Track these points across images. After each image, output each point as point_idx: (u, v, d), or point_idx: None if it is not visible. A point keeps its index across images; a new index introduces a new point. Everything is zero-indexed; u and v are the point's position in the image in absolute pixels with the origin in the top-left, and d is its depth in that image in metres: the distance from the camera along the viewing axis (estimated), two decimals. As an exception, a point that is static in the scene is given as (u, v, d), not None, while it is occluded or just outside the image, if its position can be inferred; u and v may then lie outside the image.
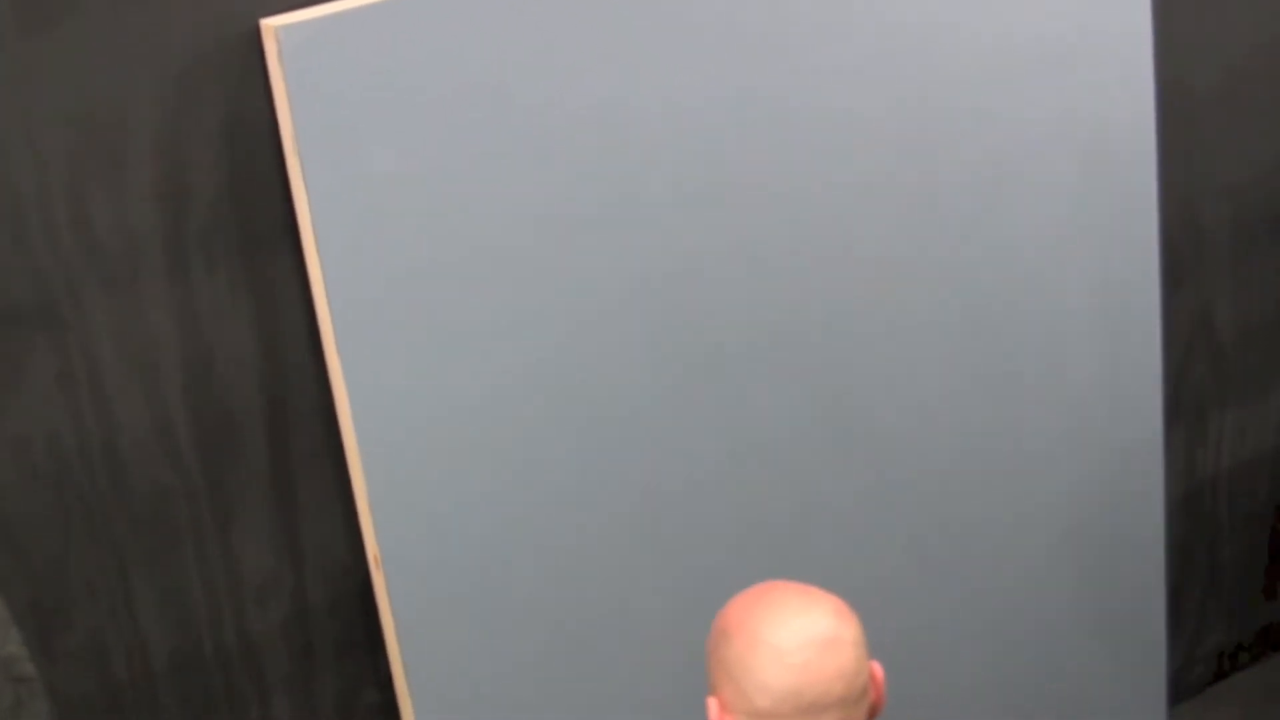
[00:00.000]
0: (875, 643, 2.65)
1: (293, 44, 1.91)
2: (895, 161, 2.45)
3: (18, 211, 1.88)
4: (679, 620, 2.43)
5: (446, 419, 2.16)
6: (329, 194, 2.00)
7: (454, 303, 2.13)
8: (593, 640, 2.36)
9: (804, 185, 2.37)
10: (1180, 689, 3.48)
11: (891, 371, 2.56)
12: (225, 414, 2.08)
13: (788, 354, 2.43)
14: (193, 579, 2.11)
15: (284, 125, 1.98)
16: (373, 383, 2.09)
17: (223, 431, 2.08)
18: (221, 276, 2.03)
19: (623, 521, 2.34)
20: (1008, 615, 2.84)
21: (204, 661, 2.15)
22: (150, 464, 2.04)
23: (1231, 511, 3.41)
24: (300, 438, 2.15)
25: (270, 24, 1.92)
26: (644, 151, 2.21)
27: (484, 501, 2.22)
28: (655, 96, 2.20)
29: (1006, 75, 2.51)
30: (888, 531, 2.62)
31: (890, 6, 2.35)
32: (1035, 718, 2.95)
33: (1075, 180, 2.65)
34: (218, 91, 1.97)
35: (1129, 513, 2.94)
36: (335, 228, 2.01)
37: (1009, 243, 2.61)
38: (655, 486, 2.36)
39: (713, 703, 1.74)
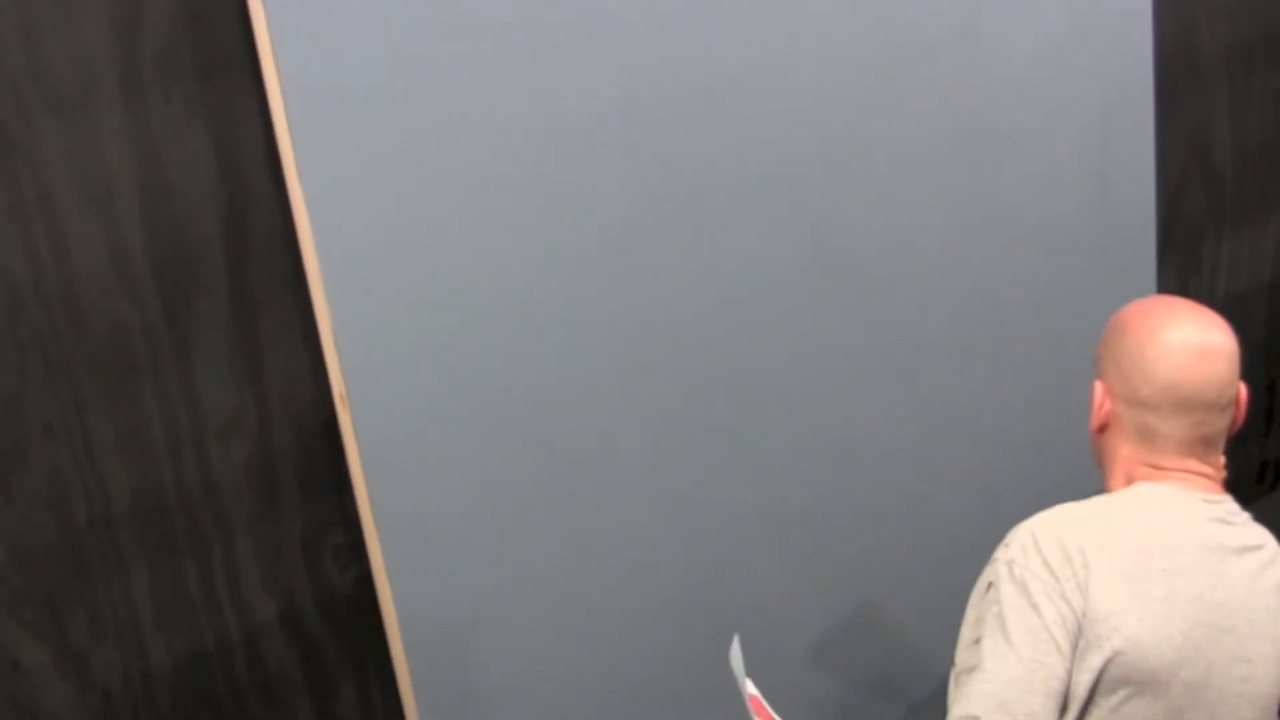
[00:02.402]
0: (869, 490, 2.72)
1: None
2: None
3: (-38, 33, 1.90)
4: (663, 461, 2.49)
5: (413, 248, 2.18)
6: (288, 13, 2.01)
7: (421, 128, 2.14)
8: (569, 475, 2.41)
9: (789, 9, 2.40)
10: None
11: (879, 207, 2.59)
12: (184, 245, 2.10)
13: (775, 195, 2.47)
14: (152, 417, 2.15)
15: (240, -59, 1.99)
16: (336, 212, 2.11)
17: (181, 264, 2.11)
18: (178, 101, 2.04)
19: (602, 356, 2.39)
20: (1001, 456, 2.92)
21: (165, 502, 2.19)
22: (107, 298, 2.07)
23: (1226, 344, 3.46)
24: (261, 270, 2.17)
25: None
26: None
27: (453, 334, 2.25)
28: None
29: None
30: (880, 377, 2.67)
31: None
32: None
33: (1068, 2, 2.68)
34: (170, -95, 1.98)
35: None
36: (295, 49, 2.02)
37: (1000, 66, 2.64)
38: (638, 320, 2.40)
39: (1099, 385, 2.12)
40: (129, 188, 2.05)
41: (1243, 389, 2.09)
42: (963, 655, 1.99)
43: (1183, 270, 3.29)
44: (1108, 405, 2.11)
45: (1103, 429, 2.13)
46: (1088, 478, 3.05)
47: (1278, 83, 3.27)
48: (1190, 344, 2.03)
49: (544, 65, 2.22)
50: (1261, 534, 2.07)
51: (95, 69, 1.98)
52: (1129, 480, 2.09)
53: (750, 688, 2.23)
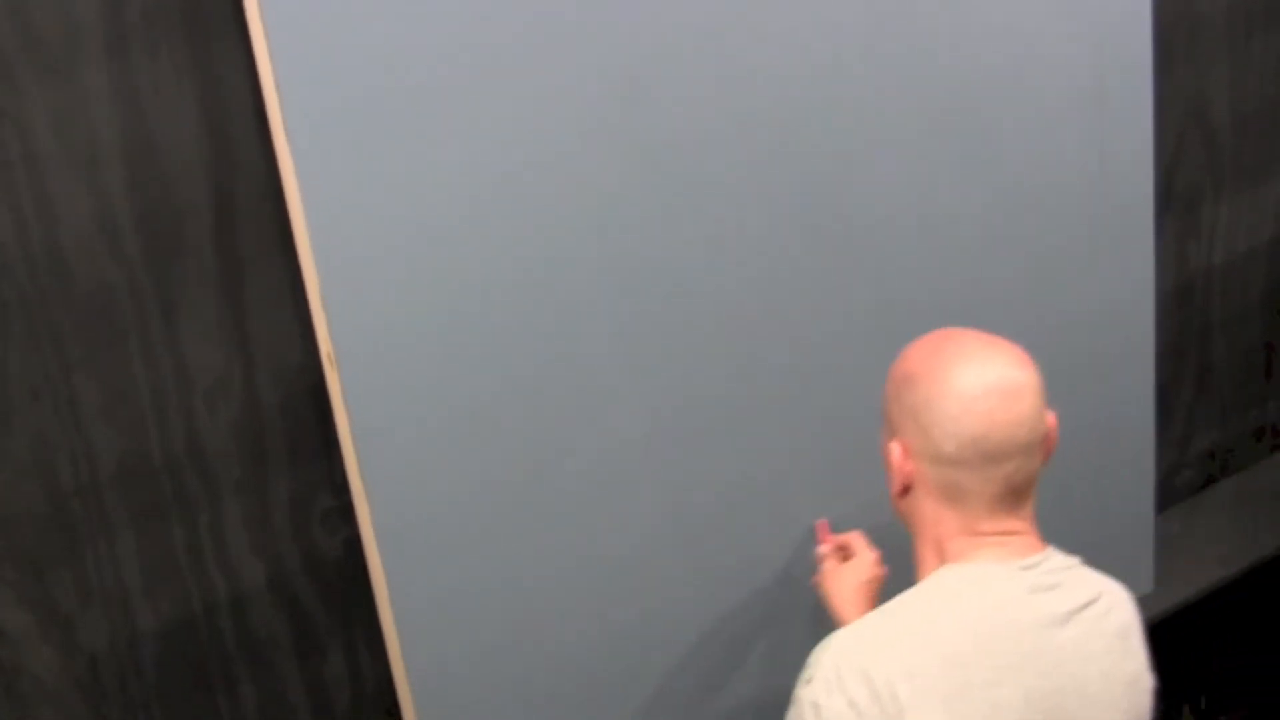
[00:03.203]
0: (849, 447, 2.75)
1: None
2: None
3: (-54, -9, 1.91)
4: (659, 429, 2.50)
5: (403, 209, 2.19)
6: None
7: (411, 86, 2.15)
8: (564, 439, 2.43)
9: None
10: (1168, 494, 3.57)
11: (870, 178, 2.60)
12: (170, 207, 2.12)
13: (764, 168, 2.49)
14: (139, 380, 2.16)
15: (227, -103, 2.00)
16: (324, 171, 2.11)
17: (168, 225, 2.12)
18: (165, 61, 2.06)
19: (598, 320, 2.40)
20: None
21: (152, 465, 2.21)
22: (93, 259, 2.08)
23: (1225, 307, 3.48)
24: (249, 231, 2.19)
25: None
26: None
27: (444, 295, 2.25)
28: None
29: None
30: (875, 350, 2.69)
31: None
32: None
33: (1067, -44, 2.69)
34: None
35: (1118, 307, 3.02)
36: (283, 6, 2.03)
37: (995, 29, 2.65)
38: (632, 271, 2.41)
39: (895, 447, 1.94)
40: (115, 150, 2.06)
41: (1050, 418, 1.95)
42: None
43: (1181, 234, 3.31)
44: (909, 466, 1.92)
45: (905, 492, 1.96)
46: (1083, 449, 3.07)
47: (1278, 44, 3.28)
48: (991, 386, 1.85)
49: (540, 15, 2.23)
50: (1092, 584, 1.95)
51: (80, 27, 1.99)
52: (939, 551, 1.93)
53: None
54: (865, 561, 2.46)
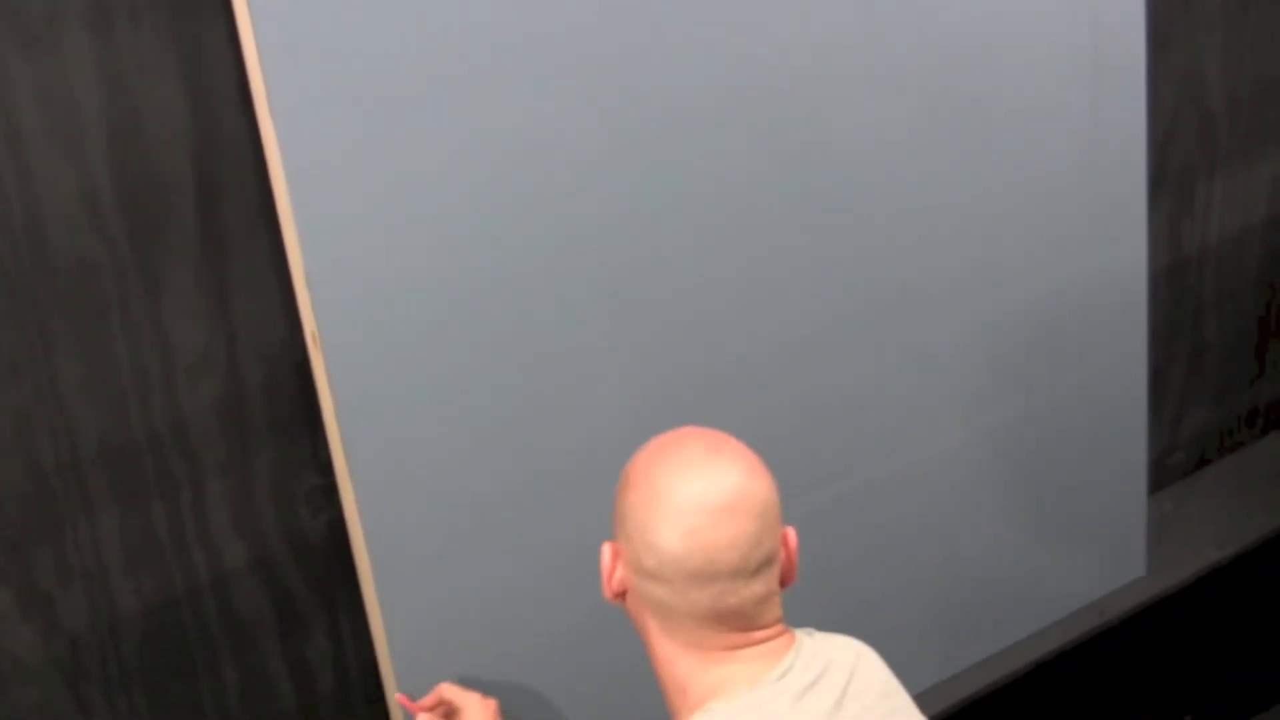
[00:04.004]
0: (845, 430, 2.76)
1: None
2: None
3: (-74, -37, 1.91)
4: (649, 406, 2.52)
5: (388, 187, 2.20)
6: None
7: (397, 62, 2.16)
8: (549, 416, 2.44)
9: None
10: (1160, 476, 3.59)
11: (861, 152, 2.62)
12: (153, 182, 2.12)
13: (752, 141, 2.50)
14: (121, 357, 2.17)
15: None
16: (308, 147, 2.13)
17: (151, 200, 2.13)
18: (148, 35, 2.06)
19: (583, 300, 2.42)
20: (981, 393, 2.96)
21: (134, 443, 2.22)
22: (74, 235, 2.09)
23: (1219, 287, 3.50)
24: (233, 207, 2.20)
25: None
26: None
27: (429, 273, 2.27)
28: None
29: None
30: (863, 326, 2.71)
31: None
32: (1009, 503, 3.08)
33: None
34: None
35: (1110, 286, 3.05)
36: (268, -20, 2.04)
37: (987, 1, 2.68)
38: (619, 255, 2.43)
39: (608, 547, 1.85)
40: (97, 124, 2.07)
41: (790, 535, 1.82)
42: None
43: (1174, 211, 3.33)
44: (619, 572, 1.82)
45: (620, 596, 1.85)
46: (1075, 424, 3.09)
47: (1273, 19, 3.30)
48: (702, 503, 1.70)
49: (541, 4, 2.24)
50: (841, 656, 1.83)
51: (61, 0, 2.00)
52: (680, 688, 1.79)
53: None
54: (476, 711, 2.26)
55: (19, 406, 2.13)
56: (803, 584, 2.57)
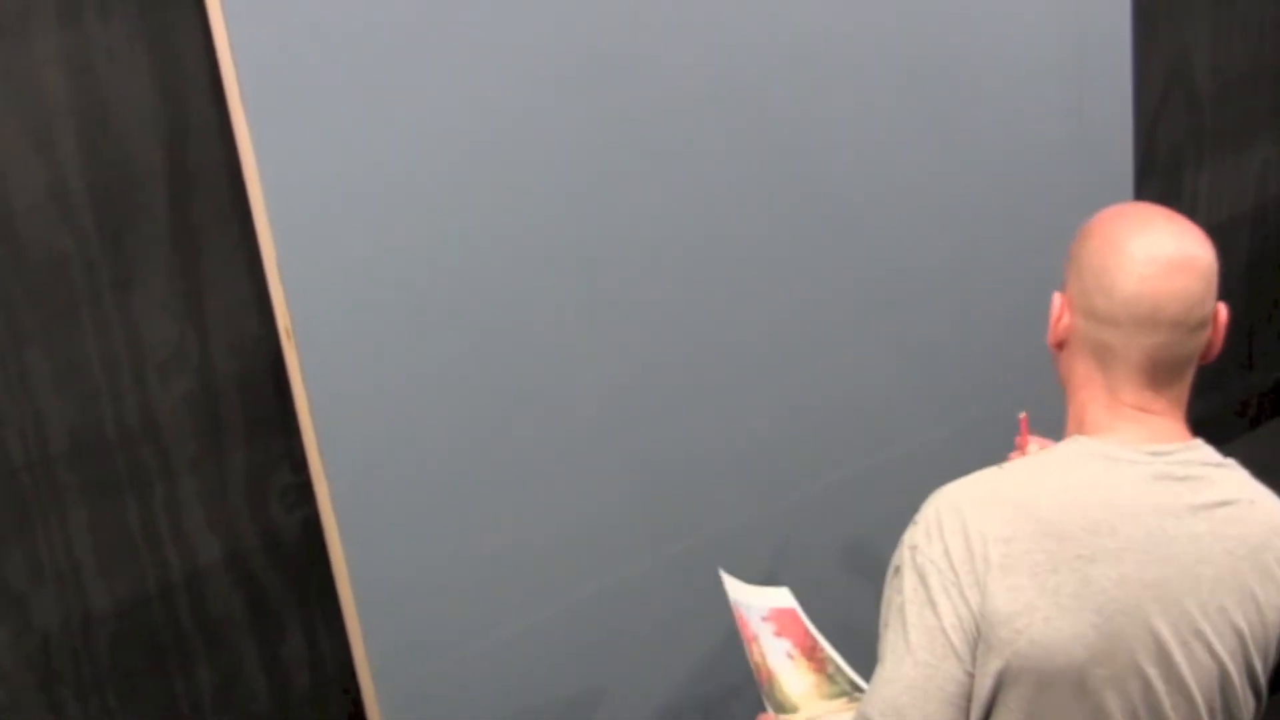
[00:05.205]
0: (831, 424, 2.77)
1: None
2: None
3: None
4: (621, 403, 2.54)
5: (360, 179, 2.21)
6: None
7: (367, 54, 2.18)
8: (524, 412, 2.45)
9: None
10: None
11: (849, 139, 2.63)
12: (124, 175, 2.13)
13: (740, 131, 2.51)
14: (92, 352, 2.18)
15: None
16: (280, 140, 2.14)
17: (121, 194, 2.14)
18: (118, 27, 2.07)
19: (560, 291, 2.43)
20: (968, 386, 2.97)
21: (105, 440, 2.23)
22: (45, 229, 2.10)
23: (1207, 275, 3.51)
24: (205, 201, 2.21)
25: None
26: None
27: (402, 266, 2.28)
28: None
29: None
30: (851, 314, 2.72)
31: None
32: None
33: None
34: None
35: (1095, 278, 3.04)
36: (239, -29, 2.05)
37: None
38: (593, 244, 2.44)
39: (1058, 297, 1.99)
40: (66, 115, 2.08)
41: (1221, 310, 1.96)
42: (881, 628, 1.93)
43: (1162, 198, 3.34)
44: (1066, 319, 1.98)
45: (1060, 345, 2.01)
46: (1062, 422, 3.10)
47: (1260, 4, 3.31)
48: (1157, 254, 1.87)
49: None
50: (1232, 484, 1.91)
51: (31, -9, 2.01)
52: (1078, 419, 1.97)
53: (777, 599, 2.22)
54: None
55: (-12, 403, 2.14)
56: (788, 575, 2.60)
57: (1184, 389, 1.95)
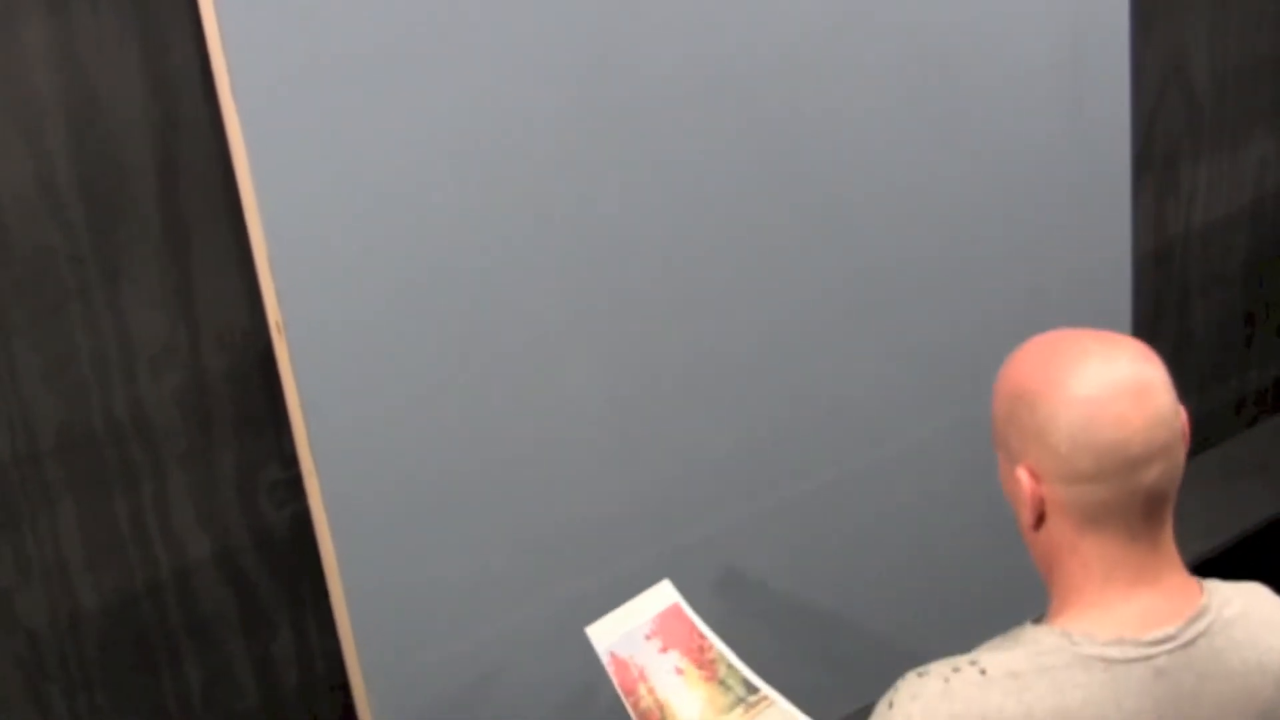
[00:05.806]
0: (827, 421, 2.78)
1: None
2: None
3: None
4: (617, 396, 2.53)
5: (352, 171, 2.21)
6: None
7: (360, 45, 2.17)
8: (517, 412, 2.45)
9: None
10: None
11: (843, 137, 2.62)
12: (113, 168, 2.13)
13: (734, 127, 2.51)
14: (80, 346, 2.18)
15: None
16: (272, 132, 2.13)
17: (111, 187, 2.14)
18: (108, 18, 2.07)
19: (556, 286, 2.42)
20: (965, 383, 2.98)
21: (94, 435, 2.23)
22: (33, 222, 2.10)
23: (1204, 273, 3.52)
24: (195, 194, 2.21)
25: None
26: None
27: (395, 260, 2.28)
28: None
29: None
30: (846, 312, 2.72)
31: None
32: (994, 493, 3.07)
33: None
34: None
35: (1094, 272, 3.07)
36: (230, -39, 2.05)
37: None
38: (588, 239, 2.44)
39: (1022, 473, 1.78)
40: (56, 108, 2.08)
41: (1183, 413, 1.80)
42: None
43: (1159, 194, 3.34)
44: (1040, 491, 1.77)
45: (1039, 522, 1.80)
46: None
47: (1258, 3, 3.32)
48: (1120, 385, 1.72)
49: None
50: (1257, 626, 1.79)
51: (19, -19, 2.01)
52: (1064, 603, 1.80)
53: (659, 600, 2.16)
54: None
55: (-24, 398, 2.14)
56: (785, 575, 2.60)
57: (1172, 510, 1.80)
